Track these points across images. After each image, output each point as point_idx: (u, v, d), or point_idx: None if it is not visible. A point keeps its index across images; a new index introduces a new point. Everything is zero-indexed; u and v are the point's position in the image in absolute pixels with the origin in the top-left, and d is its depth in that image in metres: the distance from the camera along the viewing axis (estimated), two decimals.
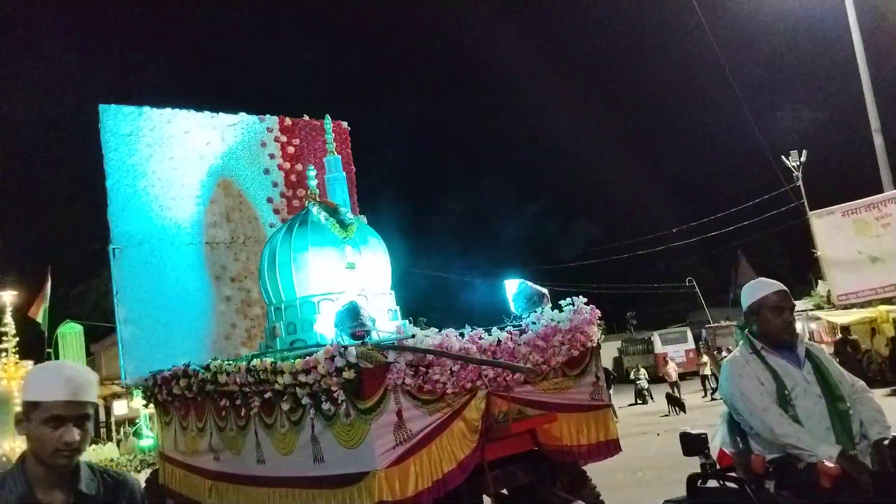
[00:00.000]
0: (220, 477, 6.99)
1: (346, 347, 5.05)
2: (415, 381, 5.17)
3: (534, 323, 5.97)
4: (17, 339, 16.38)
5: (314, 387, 5.32)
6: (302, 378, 5.36)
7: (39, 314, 15.52)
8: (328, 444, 5.40)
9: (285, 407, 5.72)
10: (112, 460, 15.10)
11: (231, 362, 6.34)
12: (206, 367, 6.66)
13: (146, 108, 9.18)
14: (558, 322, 5.97)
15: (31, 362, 16.41)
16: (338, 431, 5.30)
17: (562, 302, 6.15)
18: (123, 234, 8.73)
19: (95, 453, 15.39)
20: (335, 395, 5.16)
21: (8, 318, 16.44)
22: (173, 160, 9.26)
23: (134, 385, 8.91)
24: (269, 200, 10.24)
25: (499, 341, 5.64)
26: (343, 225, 7.59)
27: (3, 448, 14.53)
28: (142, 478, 14.66)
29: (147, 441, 15.81)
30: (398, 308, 7.91)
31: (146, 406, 13.28)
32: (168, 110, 9.35)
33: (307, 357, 5.35)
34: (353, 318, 5.74)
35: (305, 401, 5.47)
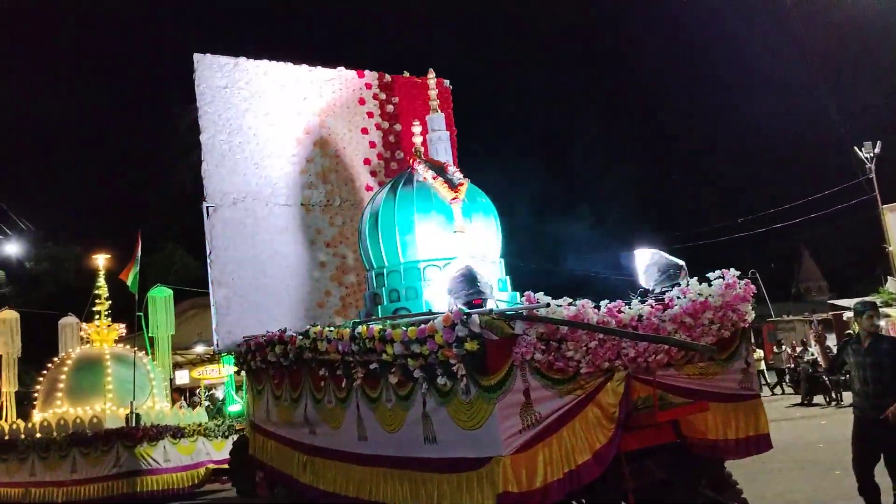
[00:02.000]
0: (315, 451, 6.50)
1: (468, 315, 4.39)
2: (545, 357, 4.46)
3: (679, 297, 5.17)
4: (110, 302, 16.47)
5: (429, 358, 4.69)
6: (415, 348, 4.74)
7: (130, 277, 15.48)
8: (442, 424, 4.77)
9: (393, 380, 5.13)
10: (200, 424, 14.98)
11: (332, 329, 5.78)
12: (305, 334, 6.14)
13: (242, 60, 8.73)
14: (707, 297, 5.15)
15: (122, 325, 16.50)
16: (454, 410, 4.66)
17: (710, 274, 5.33)
18: (218, 192, 8.33)
19: (186, 417, 15.30)
20: (454, 368, 4.52)
21: (101, 282, 16.55)
22: (269, 115, 8.79)
23: (226, 350, 8.55)
24: (367, 162, 9.71)
25: (640, 316, 4.88)
26: (452, 185, 6.93)
27: (95, 410, 14.59)
28: (228, 444, 14.58)
29: (235, 407, 15.69)
30: (508, 278, 7.23)
31: (237, 374, 13.10)
32: (265, 62, 8.88)
33: (422, 325, 4.72)
34: (469, 284, 5.09)
35: (417, 374, 4.86)
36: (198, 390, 21.17)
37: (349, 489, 5.83)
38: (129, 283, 15.62)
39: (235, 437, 14.45)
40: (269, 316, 8.44)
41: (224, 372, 23.03)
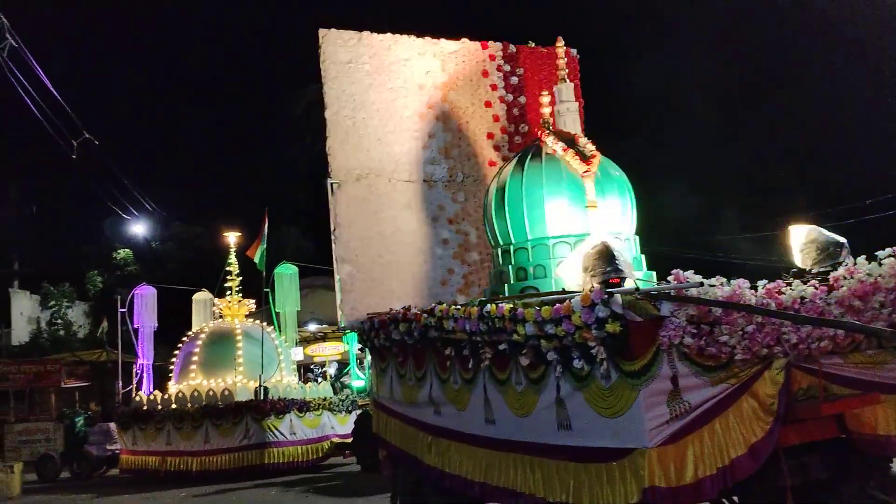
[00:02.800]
0: (440, 433, 6.33)
1: (610, 294, 4.04)
2: (695, 342, 4.05)
3: (846, 278, 4.60)
4: (241, 278, 17.07)
5: (564, 340, 4.38)
6: (549, 329, 4.44)
7: (257, 255, 15.98)
8: (578, 410, 4.46)
9: (524, 361, 4.85)
10: (325, 399, 15.34)
11: (459, 307, 5.56)
12: (430, 312, 5.95)
13: (366, 34, 8.61)
14: (878, 277, 4.56)
15: (252, 301, 17.07)
16: (592, 395, 4.33)
17: (879, 253, 4.72)
18: (342, 168, 8.28)
19: (311, 391, 15.69)
20: (592, 351, 4.19)
21: (232, 259, 17.16)
22: (392, 90, 8.65)
23: (350, 328, 8.54)
24: (490, 136, 9.41)
25: (802, 298, 4.36)
26: (583, 158, 6.54)
27: (227, 382, 15.19)
28: (351, 419, 14.84)
29: (358, 382, 15.94)
30: (642, 256, 6.78)
31: (361, 351, 13.26)
32: (388, 36, 8.73)
33: (557, 305, 4.40)
34: (606, 262, 4.73)
35: (551, 356, 4.55)
36: (319, 367, 21.67)
37: (476, 473, 5.63)
38: (256, 260, 16.13)
39: (358, 412, 14.71)
40: (392, 293, 8.35)
41: (334, 350, 23.57)
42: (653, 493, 3.95)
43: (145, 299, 17.85)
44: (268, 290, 17.19)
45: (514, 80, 9.65)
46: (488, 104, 9.47)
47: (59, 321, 26.72)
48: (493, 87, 9.52)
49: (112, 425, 16.30)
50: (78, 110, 18.74)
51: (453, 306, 5.62)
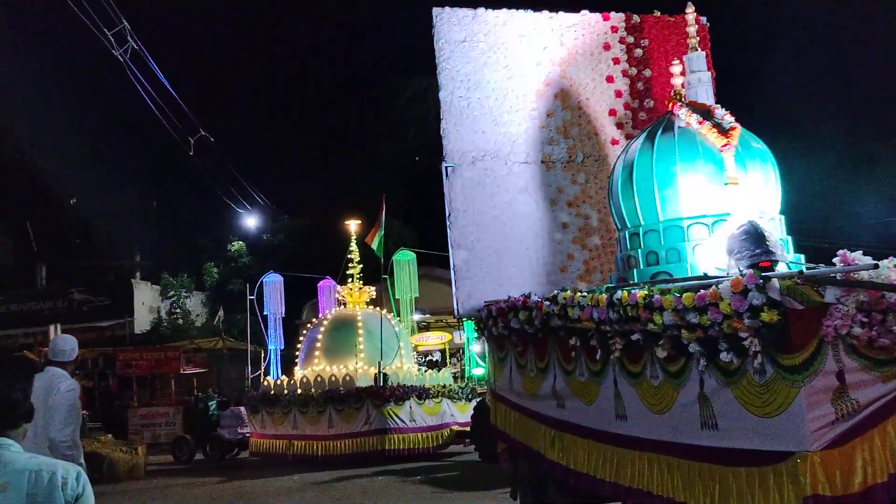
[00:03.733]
0: (564, 427, 5.97)
1: (765, 280, 3.55)
2: (865, 333, 3.51)
3: None
4: (361, 265, 17.21)
5: (709, 330, 3.92)
6: (691, 318, 3.98)
7: (375, 242, 16.04)
8: (727, 407, 3.99)
9: (661, 353, 4.41)
10: (444, 386, 15.25)
11: (585, 294, 5.18)
12: (552, 300, 5.59)
13: (480, 11, 8.30)
14: None
15: (373, 288, 17.17)
16: (743, 392, 3.86)
17: None
18: (457, 151, 8.03)
19: (430, 378, 15.62)
20: (745, 343, 3.71)
21: (353, 246, 17.33)
22: (508, 68, 8.30)
23: (467, 316, 8.30)
24: (612, 113, 8.90)
25: None
26: (721, 130, 5.96)
27: (348, 368, 15.35)
28: (470, 406, 14.65)
29: (478, 370, 15.76)
30: (789, 237, 6.14)
31: (477, 339, 13.07)
32: (503, 11, 8.38)
33: (701, 291, 3.95)
34: (755, 243, 4.25)
35: (693, 347, 4.10)
36: (423, 356, 21.71)
37: (605, 472, 5.24)
38: (374, 247, 16.20)
39: (477, 400, 14.52)
40: (509, 280, 8.05)
41: (438, 339, 23.51)
42: (815, 502, 3.47)
43: (273, 287, 18.31)
44: (386, 276, 17.26)
45: (639, 52, 9.07)
46: (610, 79, 8.95)
47: (178, 310, 28.24)
48: (616, 61, 8.99)
49: (242, 409, 16.85)
50: (194, 108, 19.48)
51: (578, 293, 5.24)
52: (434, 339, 24.01)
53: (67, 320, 24.58)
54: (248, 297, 18.55)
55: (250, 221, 30.36)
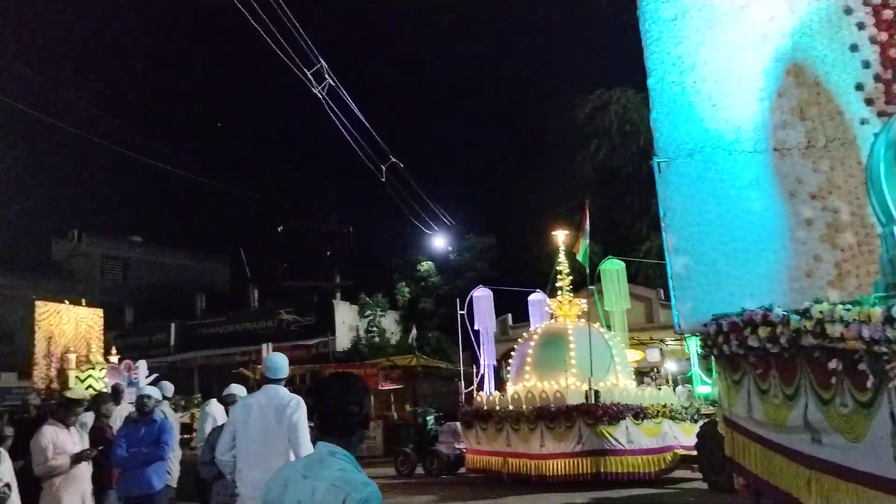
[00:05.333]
0: (823, 468, 4.86)
1: None
2: None
3: None
4: (570, 277, 16.44)
5: None
6: None
7: (580, 251, 15.19)
8: None
9: None
10: (665, 405, 13.96)
11: (848, 307, 4.10)
12: (804, 313, 4.53)
13: None
14: None
15: (583, 301, 16.34)
16: None
17: None
18: (670, 144, 7.11)
19: (650, 397, 14.34)
20: None
21: (561, 257, 16.62)
22: (728, 45, 7.24)
23: (690, 331, 7.30)
24: (859, 87, 7.48)
25: None
26: None
27: (559, 384, 14.60)
28: (695, 428, 13.29)
29: (704, 388, 14.29)
30: None
31: (704, 357, 11.78)
32: None
33: None
34: None
35: None
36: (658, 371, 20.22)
37: None
38: (579, 256, 15.37)
39: (703, 421, 13.14)
40: (742, 289, 6.98)
41: (631, 357, 21.79)
42: None
43: (483, 301, 18.08)
44: (592, 287, 16.34)
45: (888, 13, 7.58)
46: (854, 48, 7.55)
47: (374, 329, 29.15)
48: (860, 26, 7.57)
49: (458, 425, 16.70)
50: (385, 136, 20.41)
51: (840, 306, 4.16)
52: (629, 357, 22.56)
53: (277, 339, 26.24)
54: (459, 312, 18.41)
55: (438, 242, 31.39)
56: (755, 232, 7.17)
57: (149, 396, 7.29)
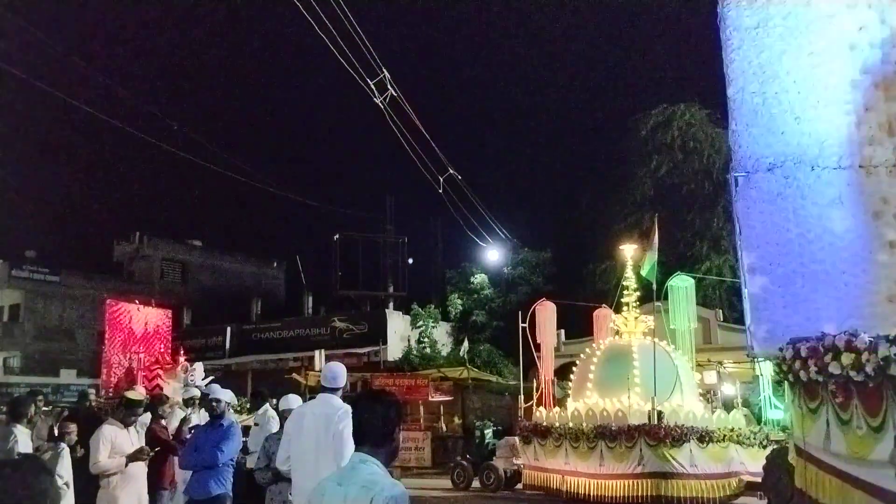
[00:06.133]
0: None
1: None
2: None
3: None
4: (637, 293, 16.03)
5: None
6: None
7: (646, 266, 14.79)
8: None
9: None
10: (732, 429, 13.43)
11: None
12: (894, 340, 4.23)
13: None
14: None
15: (650, 317, 15.93)
16: None
17: None
18: (749, 157, 6.83)
19: (717, 420, 13.82)
20: None
21: (629, 272, 16.25)
22: (813, 55, 6.91)
23: (764, 355, 6.97)
24: None
25: None
26: None
27: (622, 403, 14.21)
28: (763, 454, 12.72)
29: (777, 414, 13.67)
30: None
31: (778, 383, 11.26)
32: None
33: None
34: None
35: None
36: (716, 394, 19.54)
37: None
38: (644, 271, 14.98)
39: (772, 447, 12.58)
40: (819, 313, 6.66)
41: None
42: None
43: (546, 314, 17.82)
44: (659, 303, 15.90)
45: None
46: None
47: (426, 339, 29.00)
48: None
49: (516, 439, 16.45)
50: (444, 149, 20.53)
51: None
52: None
53: (330, 346, 26.20)
54: (521, 325, 18.17)
55: (492, 255, 31.46)
56: (837, 253, 6.82)
57: (218, 400, 7.30)
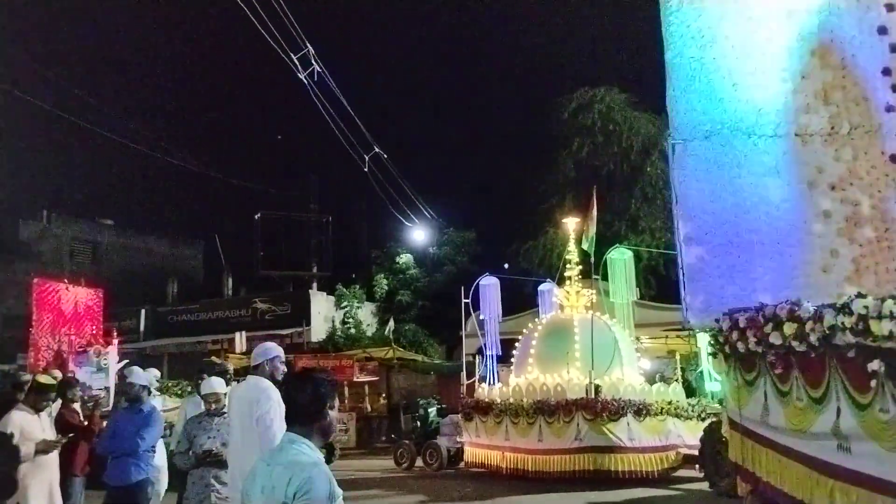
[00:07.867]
0: (851, 479, 4.44)
1: None
2: None
3: None
4: (580, 267, 15.95)
5: None
6: None
7: (586, 240, 14.73)
8: None
9: None
10: (670, 402, 13.52)
11: None
12: (842, 309, 4.09)
13: None
14: None
15: (592, 291, 15.90)
16: None
17: None
18: (686, 124, 6.65)
19: (655, 393, 13.89)
20: None
21: (571, 246, 16.16)
22: (752, 20, 6.77)
23: (699, 327, 6.87)
24: (886, 72, 7.00)
25: None
26: None
27: (561, 377, 14.16)
28: (701, 427, 12.82)
29: (714, 386, 13.75)
30: None
31: (713, 356, 11.24)
32: None
33: None
34: None
35: None
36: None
37: None
38: (584, 245, 14.92)
39: (710, 420, 12.69)
40: (755, 283, 6.61)
41: None
42: None
43: (490, 290, 17.63)
44: (597, 277, 15.88)
45: None
46: (883, 30, 7.08)
47: (351, 320, 28.80)
48: (889, 8, 7.10)
49: (459, 417, 16.26)
50: (369, 127, 20.39)
51: (890, 301, 3.72)
52: None
53: (251, 328, 25.61)
54: (463, 301, 17.95)
55: (418, 235, 31.46)
56: (771, 223, 6.74)
57: (132, 384, 6.86)
